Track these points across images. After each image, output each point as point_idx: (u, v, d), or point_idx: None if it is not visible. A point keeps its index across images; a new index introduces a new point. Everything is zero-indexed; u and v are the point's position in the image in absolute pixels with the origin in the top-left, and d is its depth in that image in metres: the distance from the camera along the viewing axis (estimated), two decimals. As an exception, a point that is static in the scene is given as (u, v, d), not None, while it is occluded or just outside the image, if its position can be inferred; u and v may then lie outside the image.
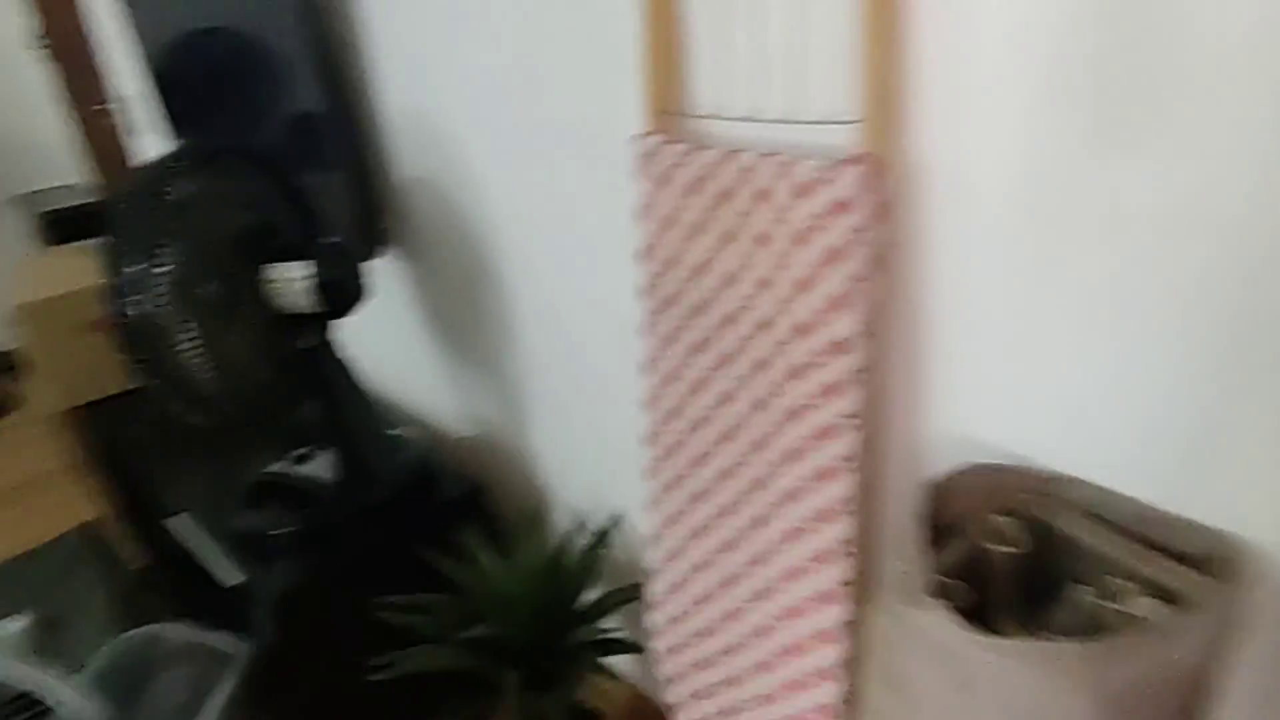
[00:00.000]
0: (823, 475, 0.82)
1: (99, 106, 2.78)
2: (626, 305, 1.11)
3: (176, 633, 1.44)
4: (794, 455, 0.84)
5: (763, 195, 0.80)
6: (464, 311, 1.45)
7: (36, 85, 3.09)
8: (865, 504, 0.85)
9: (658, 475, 1.02)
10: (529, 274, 1.26)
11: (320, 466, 1.42)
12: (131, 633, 1.46)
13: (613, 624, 1.38)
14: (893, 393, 0.83)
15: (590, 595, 1.28)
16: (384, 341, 1.74)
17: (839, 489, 0.81)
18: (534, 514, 1.46)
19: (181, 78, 1.87)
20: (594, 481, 1.34)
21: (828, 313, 0.77)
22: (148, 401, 1.21)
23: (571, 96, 1.04)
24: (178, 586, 1.77)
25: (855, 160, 0.73)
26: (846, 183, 0.73)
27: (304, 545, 1.32)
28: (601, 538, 1.29)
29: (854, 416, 0.78)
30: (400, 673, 1.17)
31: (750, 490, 0.91)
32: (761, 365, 0.86)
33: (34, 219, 2.34)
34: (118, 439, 1.82)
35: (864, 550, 0.87)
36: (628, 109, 0.97)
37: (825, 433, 0.81)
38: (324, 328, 1.31)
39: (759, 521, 0.91)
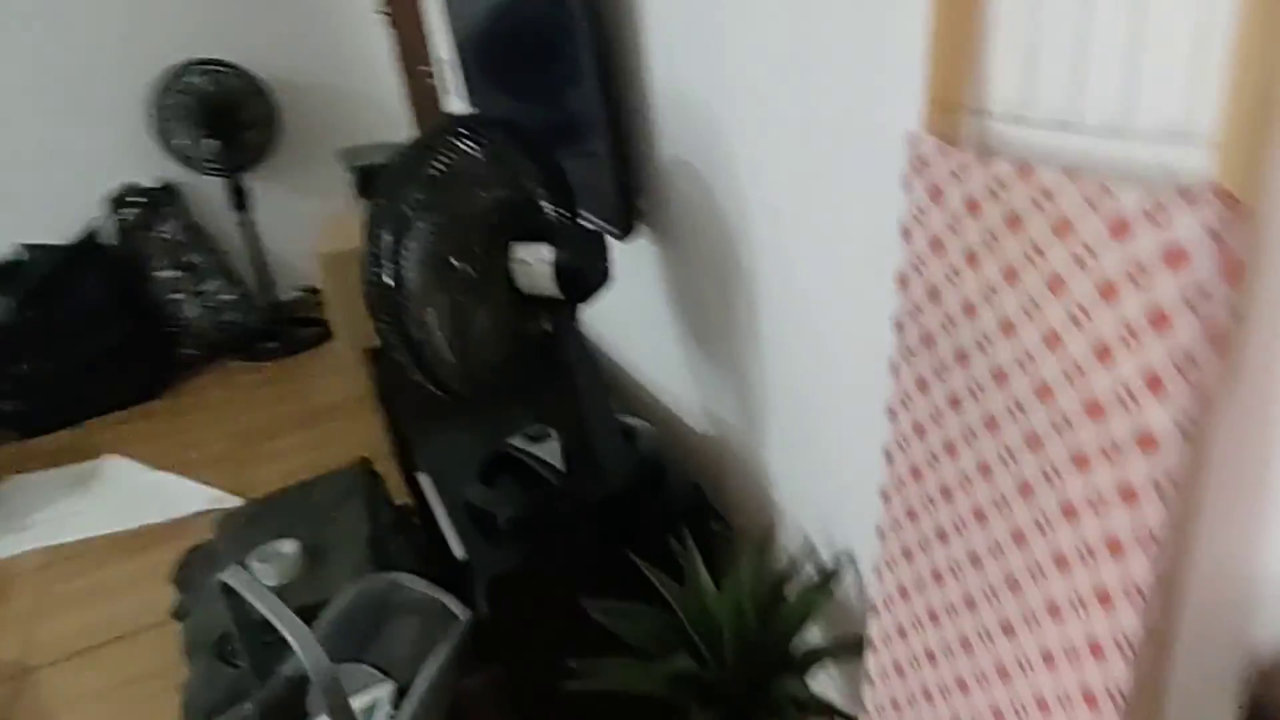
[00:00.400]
0: (1098, 598, 0.62)
1: (423, 69, 2.96)
2: (885, 328, 0.94)
3: (414, 584, 1.49)
4: (1063, 564, 0.65)
5: (1065, 227, 0.61)
6: (711, 304, 1.33)
7: (380, 47, 3.36)
8: (1148, 649, 0.64)
9: (892, 536, 0.85)
10: (782, 275, 1.12)
11: (553, 448, 1.39)
12: (376, 576, 1.53)
13: (825, 679, 1.23)
14: (1211, 514, 0.61)
15: (806, 639, 1.14)
16: (629, 323, 1.68)
17: (1116, 622, 0.61)
18: (761, 537, 1.33)
19: (478, 46, 1.90)
20: (828, 511, 1.19)
21: (1136, 394, 0.57)
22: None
23: (843, 83, 0.88)
24: (425, 537, 1.84)
25: (1203, 194, 0.52)
26: (1186, 224, 0.52)
27: (524, 532, 1.29)
28: (829, 578, 1.14)
29: (1152, 536, 0.58)
30: (595, 687, 1.10)
31: (1000, 588, 0.72)
32: (1034, 442, 0.66)
33: (352, 172, 2.54)
34: (393, 385, 1.92)
35: (1139, 704, 0.65)
36: (905, 102, 0.79)
37: (1109, 546, 0.60)
38: (565, 313, 1.26)
39: (1006, 629, 0.72)
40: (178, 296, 3.41)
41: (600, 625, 1.18)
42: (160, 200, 3.39)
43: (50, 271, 3.12)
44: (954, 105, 0.70)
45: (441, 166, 1.18)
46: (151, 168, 3.38)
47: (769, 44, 0.98)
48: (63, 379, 3.12)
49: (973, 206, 0.68)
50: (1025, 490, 0.68)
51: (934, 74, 0.70)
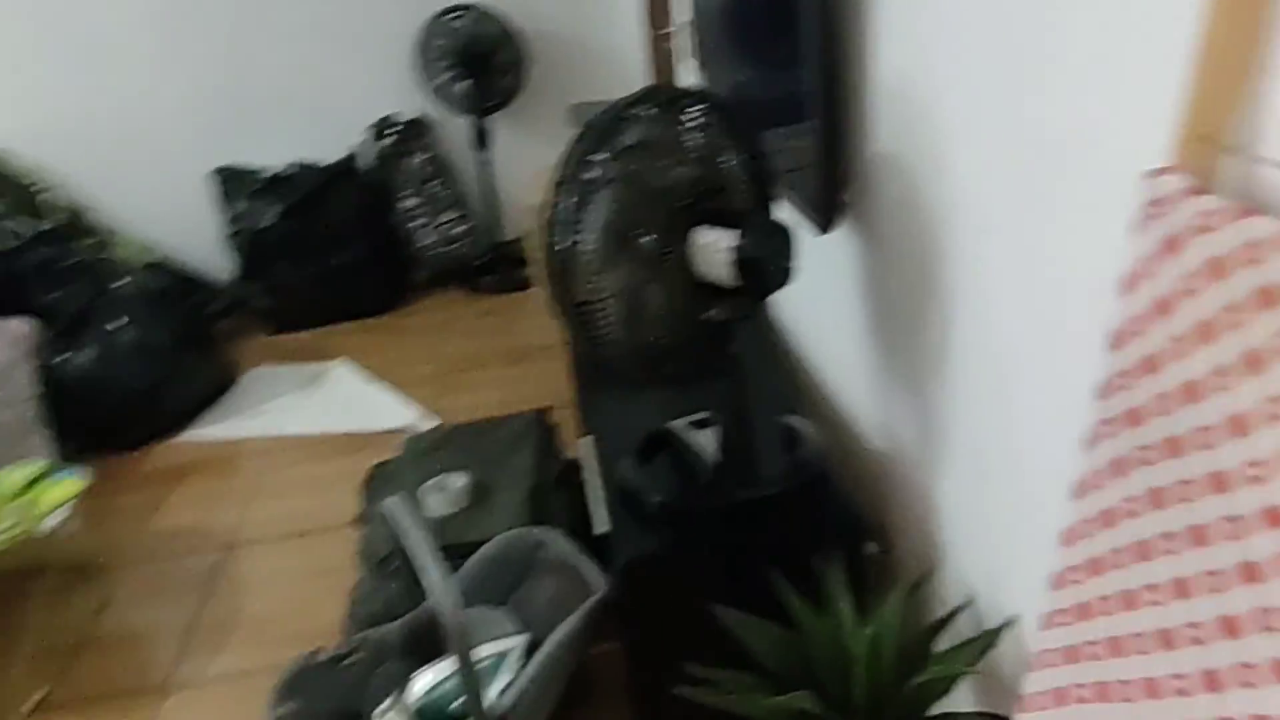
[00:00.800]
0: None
1: (664, 31, 2.91)
2: (1085, 390, 0.79)
3: (561, 545, 1.48)
4: (1262, 736, 0.50)
5: (1339, 316, 0.46)
6: (902, 316, 1.20)
7: (630, 4, 3.35)
8: None
9: (1058, 630, 0.72)
10: (979, 301, 0.98)
11: (713, 439, 1.32)
12: (528, 530, 1.53)
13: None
14: None
15: (946, 702, 1.02)
16: (812, 318, 1.56)
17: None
18: (918, 576, 1.20)
19: (714, 13, 1.82)
20: (998, 568, 1.04)
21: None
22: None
23: (1074, 98, 0.73)
24: (583, 498, 1.84)
25: None
26: None
27: (668, 520, 1.24)
28: (987, 641, 1.00)
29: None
30: (707, 701, 1.03)
31: (1175, 734, 0.58)
32: (1252, 574, 0.52)
33: (575, 127, 2.55)
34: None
35: None
36: (1148, 130, 0.64)
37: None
38: (741, 305, 1.17)
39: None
40: (416, 223, 3.61)
41: (726, 630, 1.11)
42: (413, 133, 3.59)
43: (313, 188, 3.39)
44: (1212, 142, 0.55)
45: (637, 136, 1.12)
46: (410, 102, 3.57)
47: (1001, 42, 0.84)
48: (310, 285, 3.40)
49: (1217, 268, 0.53)
50: (1231, 629, 0.54)
51: (1194, 101, 0.55)
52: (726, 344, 1.21)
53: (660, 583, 1.22)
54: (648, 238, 1.13)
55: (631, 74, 3.48)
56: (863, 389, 1.41)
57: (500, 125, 3.62)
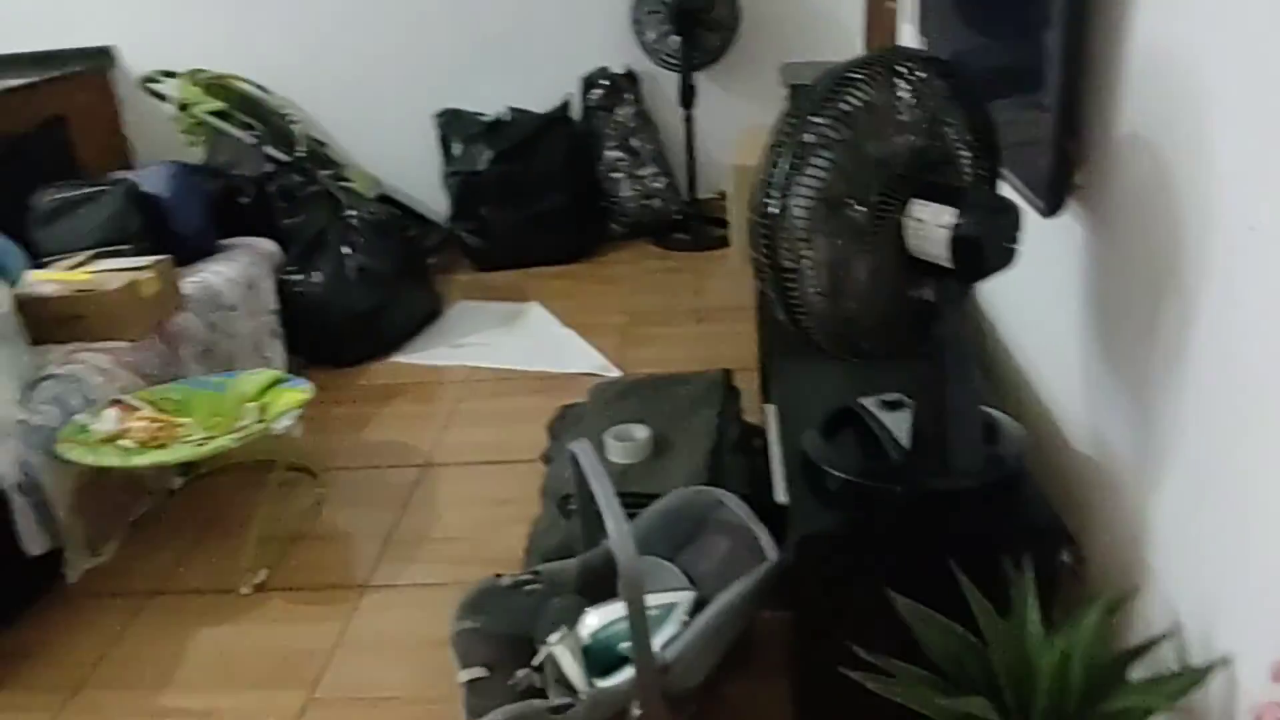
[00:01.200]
0: None
1: (888, -12, 2.76)
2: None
3: (737, 508, 1.47)
4: None
5: None
6: (1134, 313, 1.09)
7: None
8: None
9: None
10: (1234, 306, 0.86)
11: (904, 421, 1.26)
12: (706, 489, 1.53)
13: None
14: None
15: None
16: (1025, 305, 1.45)
17: None
18: (1117, 595, 1.10)
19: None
20: (1214, 600, 0.94)
21: None
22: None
23: None
24: (762, 464, 1.81)
25: None
26: None
27: (850, 499, 1.19)
28: (1191, 679, 0.90)
29: None
30: (876, 688, 1.00)
31: None
32: None
33: (788, 88, 2.47)
34: (766, 300, 1.88)
35: None
36: None
37: None
38: (953, 286, 1.10)
39: None
40: (617, 175, 3.65)
41: (900, 620, 1.06)
42: (622, 86, 3.62)
43: (526, 135, 3.50)
44: None
45: (859, 100, 1.06)
46: (622, 56, 3.60)
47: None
48: (514, 227, 3.52)
49: None
50: None
51: None
52: (931, 325, 1.14)
53: (836, 561, 1.19)
54: (860, 208, 1.07)
55: (846, 36, 3.34)
56: (1072, 387, 1.30)
57: (706, 83, 3.58)
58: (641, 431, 1.77)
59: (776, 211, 1.06)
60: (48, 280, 2.22)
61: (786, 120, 1.06)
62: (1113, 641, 1.02)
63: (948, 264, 1.04)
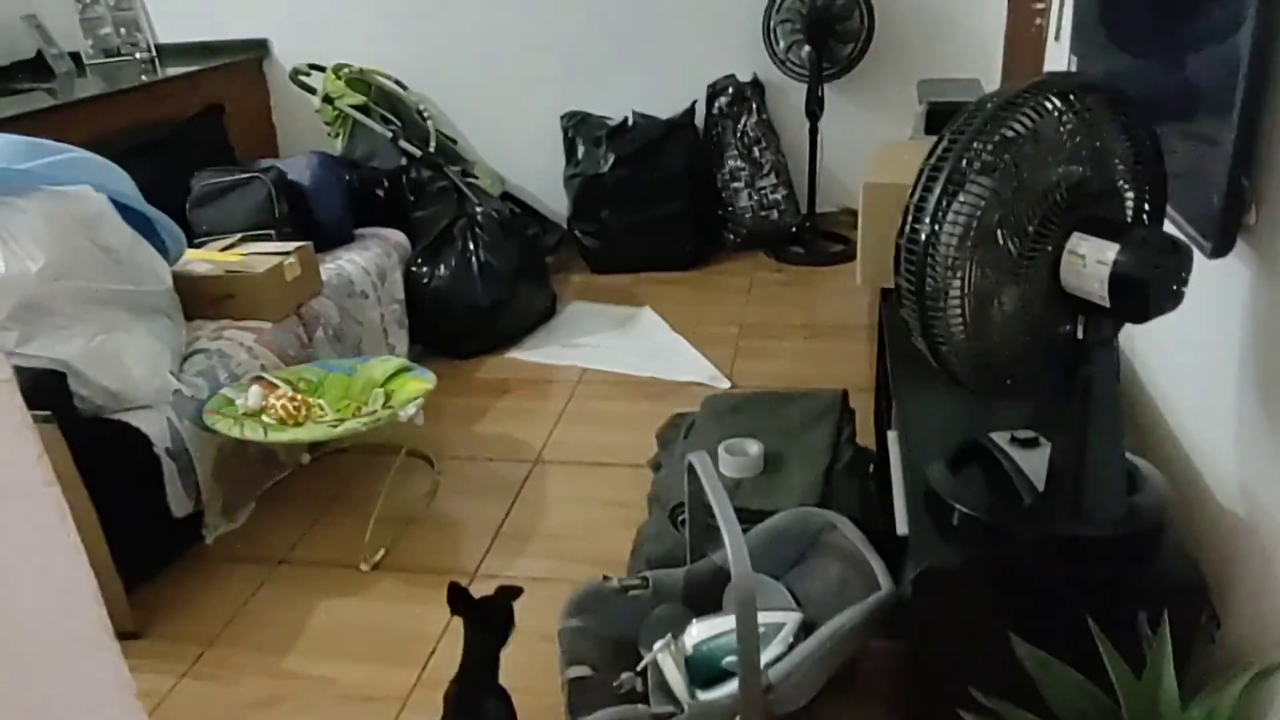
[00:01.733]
0: None
1: (1034, 6, 2.65)
2: None
3: (850, 534, 1.45)
4: None
5: None
6: (1307, 369, 1.01)
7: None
8: None
9: None
10: None
11: (1038, 460, 1.21)
12: (819, 510, 1.51)
13: None
14: None
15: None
16: (1172, 347, 1.37)
17: None
18: (1265, 666, 1.03)
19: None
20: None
21: None
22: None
23: None
24: (875, 490, 1.78)
25: None
26: None
27: (976, 537, 1.16)
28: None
29: None
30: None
31: None
32: None
33: (924, 104, 2.40)
34: (895, 332, 1.84)
35: None
36: None
37: None
38: (1107, 325, 1.05)
39: None
40: (736, 185, 3.64)
41: (1020, 665, 1.02)
42: (748, 95, 3.60)
43: (649, 140, 3.52)
44: None
45: (1023, 127, 1.03)
46: (750, 64, 3.58)
47: None
48: (631, 231, 3.55)
49: None
50: None
51: None
52: (1079, 365, 1.09)
53: (958, 599, 1.15)
54: (1014, 238, 1.04)
55: (985, 53, 3.23)
56: (1223, 438, 1.22)
57: (834, 95, 3.53)
58: (754, 447, 1.76)
59: (926, 237, 1.04)
60: (202, 260, 2.36)
61: (944, 144, 1.04)
62: (1254, 716, 0.96)
63: (1104, 303, 0.99)
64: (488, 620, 1.39)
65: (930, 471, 1.27)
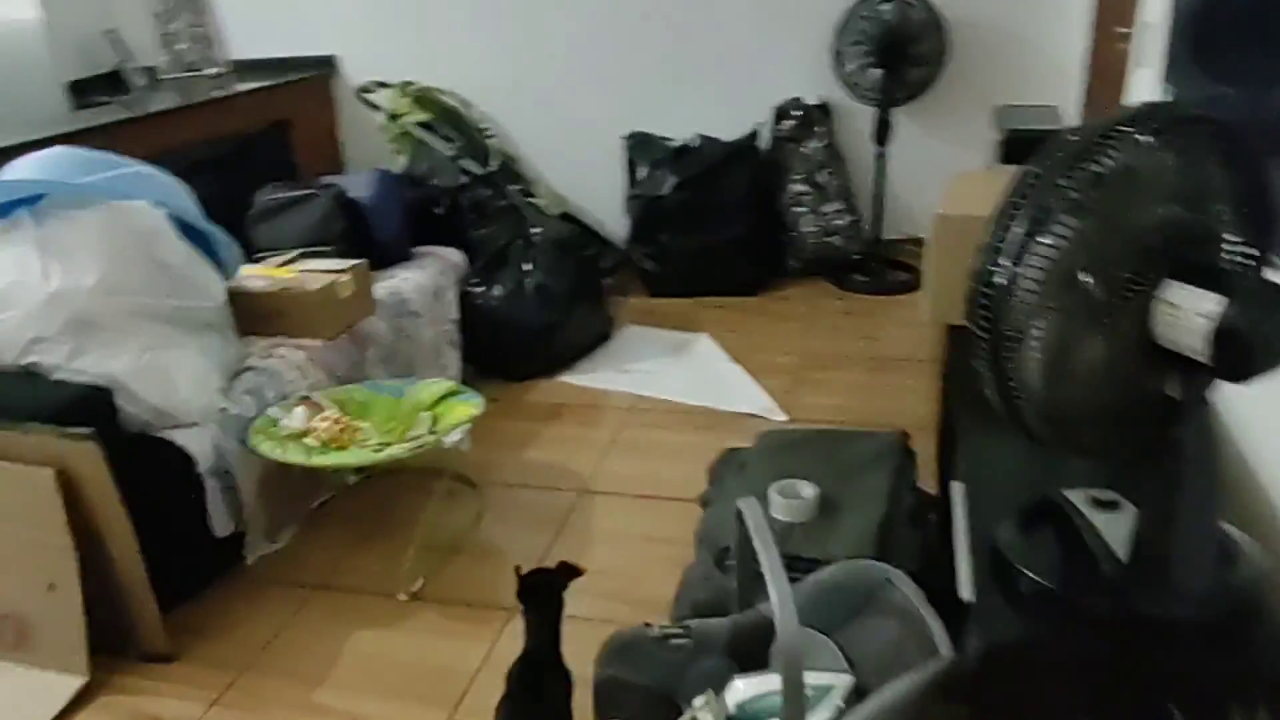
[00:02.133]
0: None
1: (1121, 30, 2.53)
2: None
3: (908, 591, 1.35)
4: None
5: None
6: None
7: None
8: None
9: None
10: None
11: (1118, 526, 1.10)
12: (875, 564, 1.42)
13: None
14: None
15: None
16: (1273, 409, 1.25)
17: None
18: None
19: (1201, 10, 1.51)
20: None
21: None
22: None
23: None
24: (936, 541, 1.67)
25: None
26: None
27: (1048, 609, 1.06)
28: None
29: None
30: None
31: None
32: None
33: (1000, 132, 2.30)
34: (962, 373, 1.73)
35: None
36: None
37: None
38: (1203, 383, 0.95)
39: None
40: (799, 210, 3.56)
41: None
42: (814, 118, 3.52)
43: (712, 163, 3.47)
44: None
45: (1116, 163, 0.94)
46: (817, 87, 3.51)
47: None
48: (691, 255, 3.50)
49: None
50: None
51: None
52: (1169, 426, 0.99)
53: (1024, 677, 1.05)
54: (1102, 283, 0.94)
55: (1064, 79, 3.10)
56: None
57: (904, 120, 3.43)
58: (809, 490, 1.67)
59: (1004, 281, 0.95)
60: (257, 275, 2.37)
61: (1026, 178, 0.95)
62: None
63: (1203, 359, 0.90)
64: (548, 597, 1.43)
65: (999, 532, 1.17)
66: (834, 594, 1.42)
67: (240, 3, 3.82)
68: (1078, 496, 1.19)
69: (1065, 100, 3.01)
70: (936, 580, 1.40)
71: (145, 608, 1.68)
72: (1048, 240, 0.93)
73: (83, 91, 3.42)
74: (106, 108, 3.16)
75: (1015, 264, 0.95)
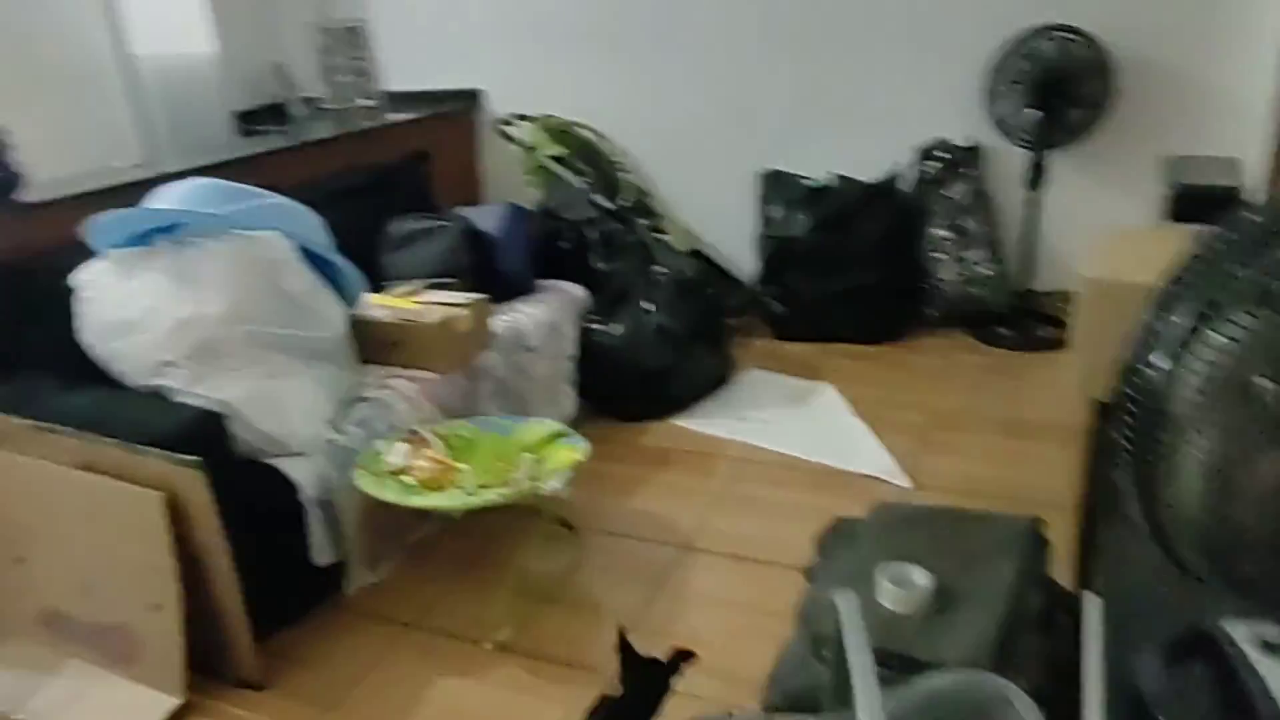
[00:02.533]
0: None
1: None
2: None
3: (1025, 713, 1.18)
4: None
5: None
6: None
7: (1266, 42, 2.66)
8: None
9: None
10: None
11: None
12: (990, 677, 1.26)
13: None
14: None
15: None
16: None
17: None
18: None
19: None
20: None
21: None
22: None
23: None
24: (1067, 649, 1.47)
25: None
26: None
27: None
28: None
29: None
30: None
31: None
32: None
33: (1169, 186, 2.06)
34: (1110, 459, 1.54)
35: None
36: None
37: None
38: None
39: None
40: (940, 256, 3.35)
41: None
42: (962, 161, 3.32)
43: (848, 204, 3.33)
44: None
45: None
46: (966, 127, 3.31)
47: None
48: (821, 299, 3.36)
49: None
50: None
51: None
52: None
53: None
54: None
55: (1248, 128, 2.78)
56: None
57: (1060, 165, 3.18)
58: (923, 578, 1.51)
59: (1161, 381, 0.81)
60: (380, 305, 2.42)
61: (1195, 260, 0.81)
62: None
63: None
64: (652, 682, 1.34)
65: (1139, 665, 1.00)
66: (942, 706, 1.26)
67: (396, 38, 3.98)
68: (1240, 632, 1.00)
69: (1247, 153, 2.69)
70: (1063, 703, 1.23)
71: (240, 636, 1.71)
72: (1219, 336, 0.78)
73: (249, 120, 3.64)
74: (266, 137, 3.34)
75: (1175, 361, 0.81)
